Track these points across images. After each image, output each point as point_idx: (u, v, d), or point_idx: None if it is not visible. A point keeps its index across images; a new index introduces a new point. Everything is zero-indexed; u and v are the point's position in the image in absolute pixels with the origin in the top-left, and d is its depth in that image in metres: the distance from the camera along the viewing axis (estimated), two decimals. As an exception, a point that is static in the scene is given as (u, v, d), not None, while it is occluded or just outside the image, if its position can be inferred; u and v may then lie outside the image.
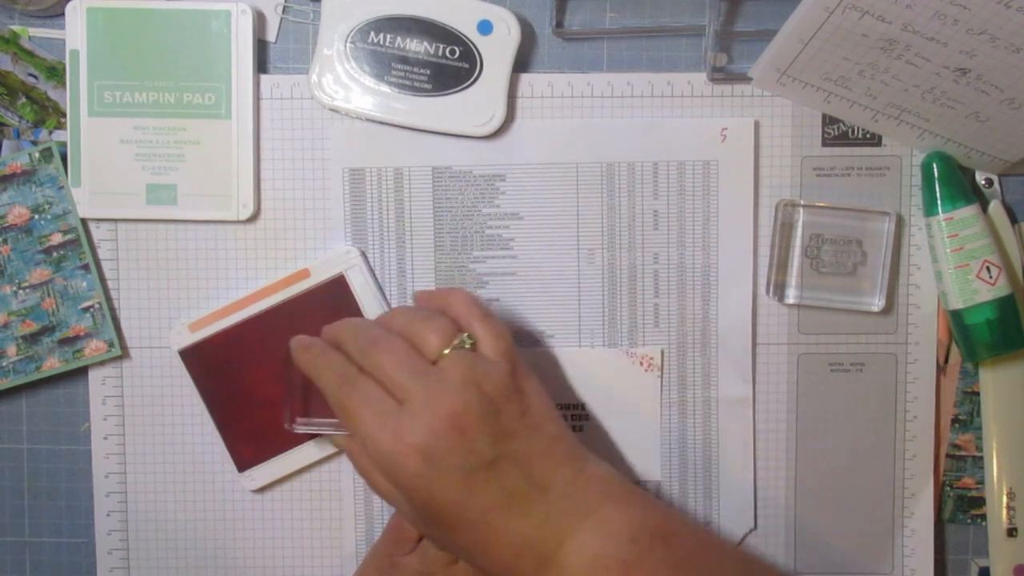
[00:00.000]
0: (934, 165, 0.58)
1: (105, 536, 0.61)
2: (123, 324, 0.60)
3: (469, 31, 0.57)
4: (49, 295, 0.59)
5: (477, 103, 0.58)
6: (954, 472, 0.62)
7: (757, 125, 0.60)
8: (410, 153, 0.60)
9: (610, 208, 0.60)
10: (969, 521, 0.62)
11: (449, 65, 0.57)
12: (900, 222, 0.60)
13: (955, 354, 0.61)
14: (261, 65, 0.60)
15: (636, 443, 0.61)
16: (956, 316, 0.58)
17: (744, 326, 0.60)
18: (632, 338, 0.60)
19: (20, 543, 0.62)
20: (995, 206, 0.60)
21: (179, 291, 0.60)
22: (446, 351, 0.49)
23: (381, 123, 0.59)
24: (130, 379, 0.61)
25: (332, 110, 0.59)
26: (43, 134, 0.60)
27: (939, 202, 0.58)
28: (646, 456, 0.61)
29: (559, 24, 0.59)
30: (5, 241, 0.59)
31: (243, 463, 0.60)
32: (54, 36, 0.59)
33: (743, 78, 0.59)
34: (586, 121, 0.60)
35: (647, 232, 0.60)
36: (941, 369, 0.61)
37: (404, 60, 0.57)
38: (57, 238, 0.59)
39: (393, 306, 0.60)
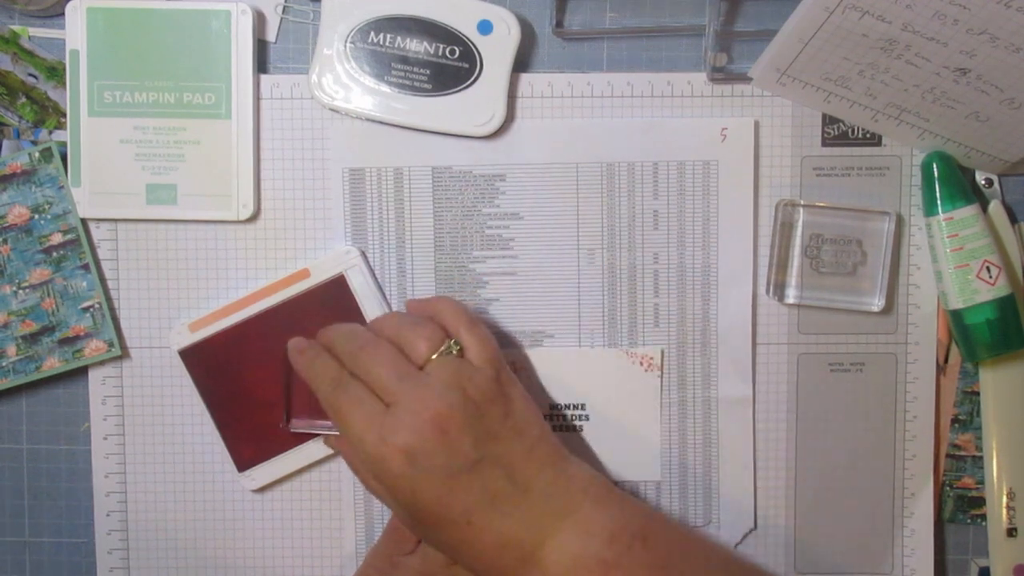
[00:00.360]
0: (934, 165, 0.58)
1: (105, 536, 0.61)
2: (123, 324, 0.60)
3: (469, 31, 0.57)
4: (49, 295, 0.59)
5: (477, 103, 0.58)
6: (954, 472, 0.62)
7: (757, 125, 0.60)
8: (410, 153, 0.59)
9: (610, 208, 0.60)
10: (969, 521, 0.62)
11: (449, 65, 0.57)
12: (900, 222, 0.60)
13: (955, 354, 0.61)
14: (261, 65, 0.60)
15: (636, 443, 0.61)
16: (956, 316, 0.58)
17: (744, 326, 0.60)
18: (632, 338, 0.60)
19: (20, 543, 0.62)
20: (995, 206, 0.60)
21: (179, 291, 0.60)
22: (433, 356, 0.51)
23: (381, 123, 0.59)
24: (130, 379, 0.61)
25: (332, 110, 0.59)
26: (43, 134, 0.60)
27: (939, 202, 0.58)
28: (646, 456, 0.61)
29: (559, 24, 0.59)
30: (5, 241, 0.59)
31: (243, 463, 0.60)
32: (54, 36, 0.59)
33: (743, 78, 0.59)
34: (586, 121, 0.60)
35: (647, 232, 0.60)
36: (941, 369, 0.61)
37: (404, 60, 0.57)
38: (57, 238, 0.59)
39: (394, 306, 0.60)
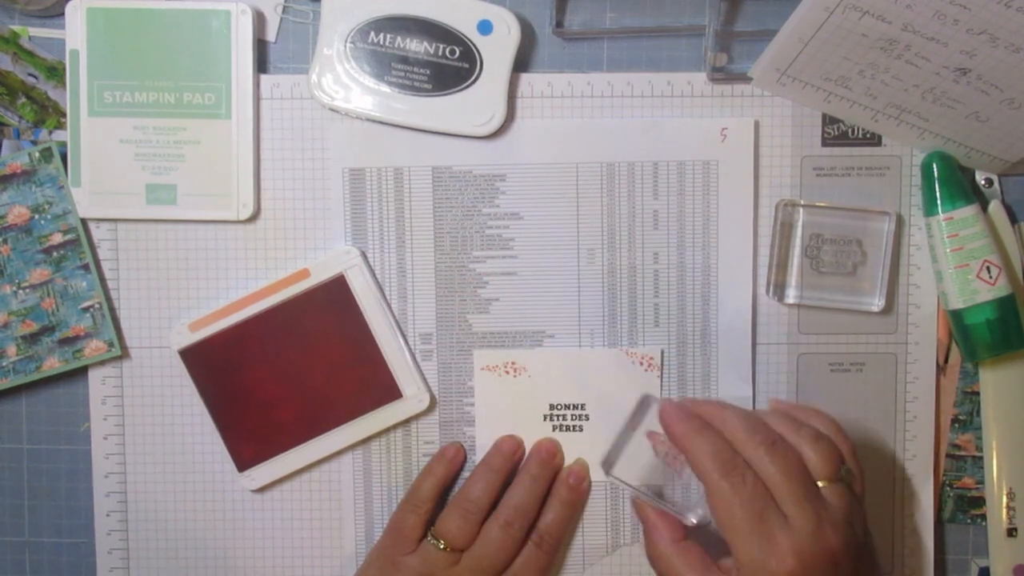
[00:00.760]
0: (934, 165, 0.58)
1: (105, 536, 0.61)
2: (123, 324, 0.60)
3: (469, 31, 0.57)
4: (49, 295, 0.59)
5: (477, 103, 0.58)
6: (954, 472, 0.62)
7: (757, 125, 0.60)
8: (410, 153, 0.60)
9: (610, 208, 0.60)
10: (969, 521, 0.62)
11: (449, 65, 0.57)
12: (900, 222, 0.60)
13: (955, 354, 0.61)
14: (261, 65, 0.60)
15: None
16: (956, 316, 0.58)
17: (744, 326, 0.60)
18: (632, 338, 0.60)
19: (20, 543, 0.62)
20: (995, 206, 0.60)
21: (179, 291, 0.60)
22: (826, 482, 0.49)
23: (381, 123, 0.59)
24: (130, 379, 0.61)
25: (332, 110, 0.59)
26: (43, 134, 0.60)
27: (939, 202, 0.58)
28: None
29: (559, 24, 0.59)
30: (5, 241, 0.59)
31: (243, 463, 0.60)
32: (54, 36, 0.59)
33: (743, 78, 0.59)
34: (586, 121, 0.60)
35: (647, 232, 0.60)
36: (941, 369, 0.61)
37: (404, 60, 0.57)
38: (57, 238, 0.59)
39: (393, 305, 0.60)
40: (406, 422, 0.61)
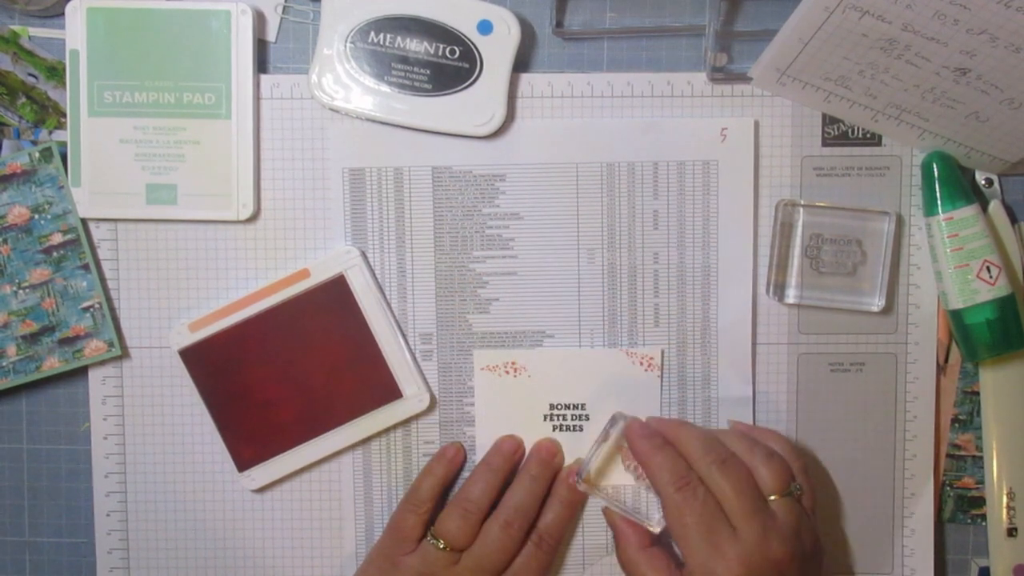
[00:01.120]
0: (934, 165, 0.58)
1: (105, 536, 0.61)
2: (123, 324, 0.60)
3: (469, 31, 0.57)
4: (49, 295, 0.59)
5: (477, 103, 0.58)
6: (954, 472, 0.62)
7: (757, 125, 0.60)
8: (410, 153, 0.59)
9: (610, 208, 0.60)
10: (969, 521, 0.62)
11: (449, 65, 0.57)
12: (900, 222, 0.60)
13: (955, 354, 0.61)
14: (261, 65, 0.60)
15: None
16: (956, 316, 0.58)
17: (744, 326, 0.60)
18: (632, 338, 0.60)
19: (20, 543, 0.62)
20: (995, 206, 0.60)
21: (179, 291, 0.60)
22: (776, 496, 0.52)
23: (381, 123, 0.59)
24: (130, 379, 0.61)
25: (332, 110, 0.59)
26: (43, 134, 0.60)
27: (939, 202, 0.58)
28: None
29: (559, 24, 0.60)
30: (5, 241, 0.59)
31: (243, 463, 0.60)
32: (54, 36, 0.59)
33: (743, 78, 0.59)
34: (586, 121, 0.60)
35: (647, 232, 0.60)
36: (941, 369, 0.61)
37: (404, 60, 0.57)
38: (57, 238, 0.59)
39: (393, 305, 0.60)
40: (406, 422, 0.61)
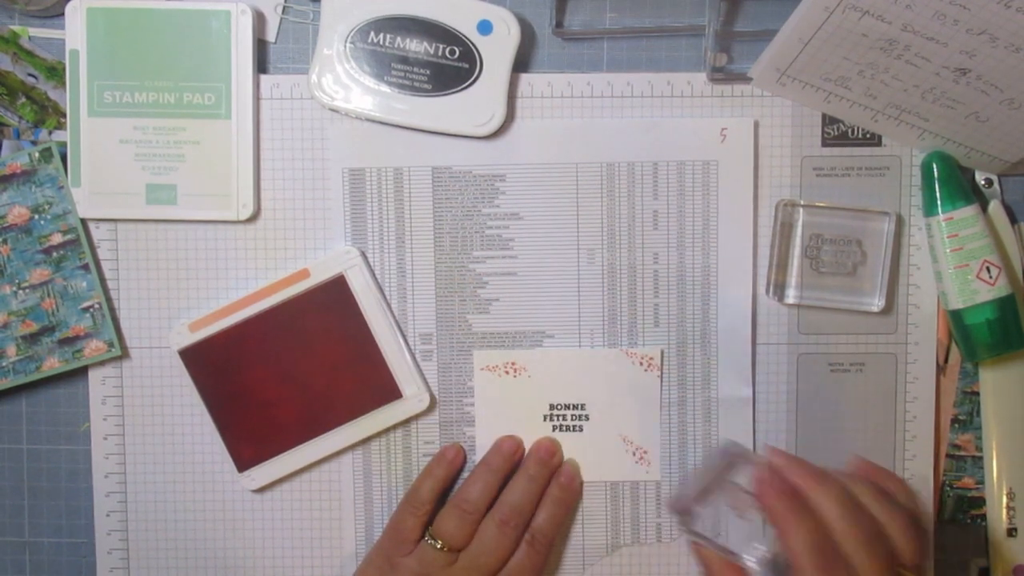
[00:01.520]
0: (934, 165, 0.58)
1: (105, 536, 0.61)
2: (123, 324, 0.60)
3: (469, 31, 0.57)
4: (49, 295, 0.59)
5: (477, 103, 0.58)
6: (954, 472, 0.62)
7: (757, 125, 0.60)
8: (410, 153, 0.59)
9: (610, 208, 0.60)
10: (969, 521, 0.62)
11: (449, 65, 0.57)
12: (900, 222, 0.60)
13: (955, 354, 0.61)
14: (261, 65, 0.60)
15: (636, 443, 0.61)
16: (956, 316, 0.58)
17: (744, 326, 0.60)
18: (632, 338, 0.60)
19: (20, 543, 0.62)
20: (995, 206, 0.60)
21: (179, 291, 0.60)
22: (906, 572, 0.49)
23: (381, 123, 0.59)
24: (130, 379, 0.61)
25: (332, 110, 0.59)
26: (43, 134, 0.60)
27: (939, 202, 0.58)
28: (646, 456, 0.61)
29: (559, 24, 0.59)
30: (5, 241, 0.59)
31: (243, 463, 0.60)
32: (54, 36, 0.59)
33: (743, 78, 0.59)
34: (586, 121, 0.60)
35: (647, 232, 0.60)
36: (941, 369, 0.61)
37: (404, 60, 0.57)
38: (57, 238, 0.59)
39: (393, 305, 0.60)
40: (406, 422, 0.61)
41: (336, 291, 0.59)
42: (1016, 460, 0.61)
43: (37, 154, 0.58)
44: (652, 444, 0.61)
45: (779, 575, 0.50)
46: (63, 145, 0.59)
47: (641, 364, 0.60)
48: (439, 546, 0.56)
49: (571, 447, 0.60)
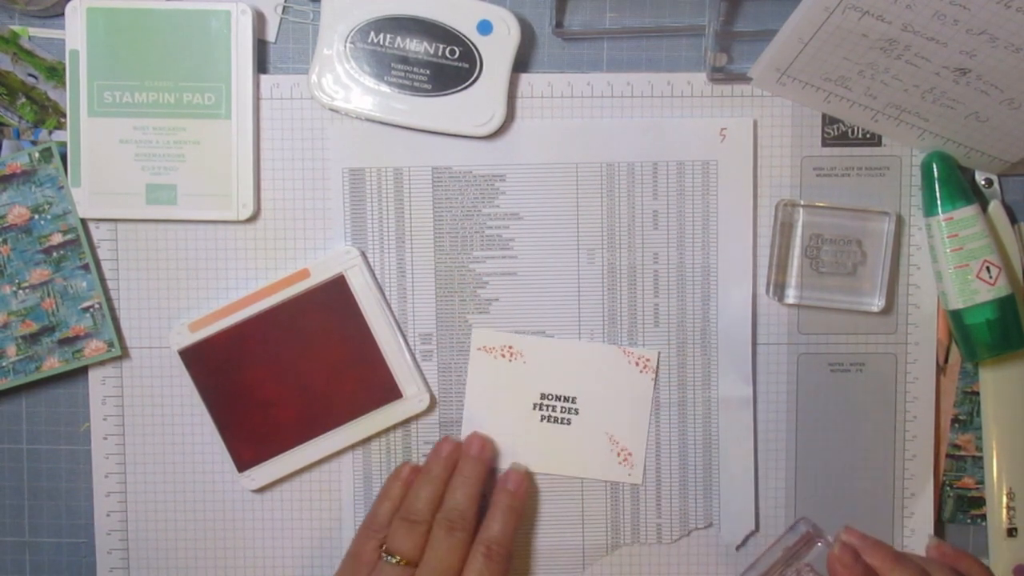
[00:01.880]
0: (934, 165, 0.58)
1: (105, 536, 0.61)
2: (123, 324, 0.60)
3: (469, 31, 0.57)
4: (49, 295, 0.59)
5: (477, 103, 0.58)
6: (954, 472, 0.62)
7: (756, 125, 0.60)
8: (410, 153, 0.60)
9: (610, 208, 0.60)
10: (969, 521, 0.62)
11: (449, 65, 0.57)
12: (900, 222, 0.60)
13: (955, 354, 0.61)
14: (261, 65, 0.60)
15: (622, 443, 0.60)
16: (956, 316, 0.58)
17: (744, 326, 0.60)
18: (632, 338, 0.60)
19: (20, 543, 0.62)
20: (995, 206, 0.60)
21: (179, 291, 0.60)
22: None
23: (381, 123, 0.59)
24: (130, 379, 0.61)
25: (332, 110, 0.59)
26: (43, 134, 0.60)
27: (939, 202, 0.58)
28: (630, 458, 0.61)
29: (559, 24, 0.60)
30: (5, 241, 0.59)
31: (243, 463, 0.60)
32: (54, 36, 0.59)
33: (743, 78, 0.59)
34: (586, 121, 0.60)
35: (647, 232, 0.60)
36: (941, 369, 0.61)
37: (404, 60, 0.57)
38: (57, 238, 0.59)
39: (393, 305, 0.60)
40: (406, 422, 0.61)
41: (336, 291, 0.59)
42: (1016, 460, 0.61)
43: (37, 154, 0.59)
44: (638, 446, 0.61)
45: None
46: (63, 145, 0.59)
47: (636, 365, 0.60)
48: (395, 561, 0.55)
49: (557, 439, 0.60)
